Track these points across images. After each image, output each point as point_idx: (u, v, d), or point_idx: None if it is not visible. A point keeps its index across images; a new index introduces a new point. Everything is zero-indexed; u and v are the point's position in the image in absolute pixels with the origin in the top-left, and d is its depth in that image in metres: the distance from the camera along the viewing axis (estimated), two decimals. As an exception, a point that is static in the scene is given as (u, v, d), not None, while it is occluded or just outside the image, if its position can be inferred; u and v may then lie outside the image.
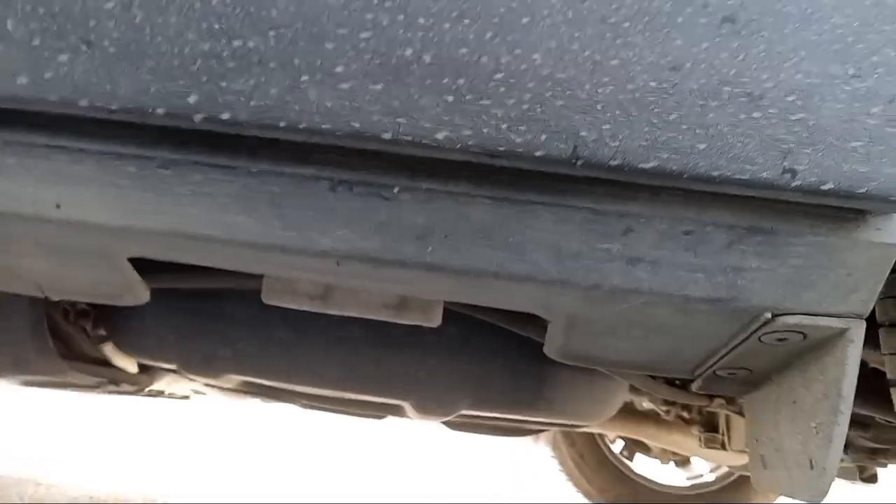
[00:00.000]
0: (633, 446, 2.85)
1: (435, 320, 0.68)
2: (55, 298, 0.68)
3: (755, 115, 0.44)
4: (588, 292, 0.51)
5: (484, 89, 0.44)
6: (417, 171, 0.49)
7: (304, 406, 1.44)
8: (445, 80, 0.44)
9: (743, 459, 2.11)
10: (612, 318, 0.55)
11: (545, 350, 0.64)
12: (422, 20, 0.44)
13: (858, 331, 0.53)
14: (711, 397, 1.23)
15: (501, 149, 0.45)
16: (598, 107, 0.44)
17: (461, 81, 0.44)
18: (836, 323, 0.52)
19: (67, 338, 1.25)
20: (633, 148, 0.45)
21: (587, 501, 2.82)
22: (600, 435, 2.84)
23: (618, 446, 2.89)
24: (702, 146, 0.45)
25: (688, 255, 0.50)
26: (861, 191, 0.45)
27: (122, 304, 0.68)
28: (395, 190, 0.49)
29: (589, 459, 2.79)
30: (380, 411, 1.33)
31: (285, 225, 0.52)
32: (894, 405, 0.68)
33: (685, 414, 2.11)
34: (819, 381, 0.56)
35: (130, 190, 0.52)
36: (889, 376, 0.68)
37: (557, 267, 0.50)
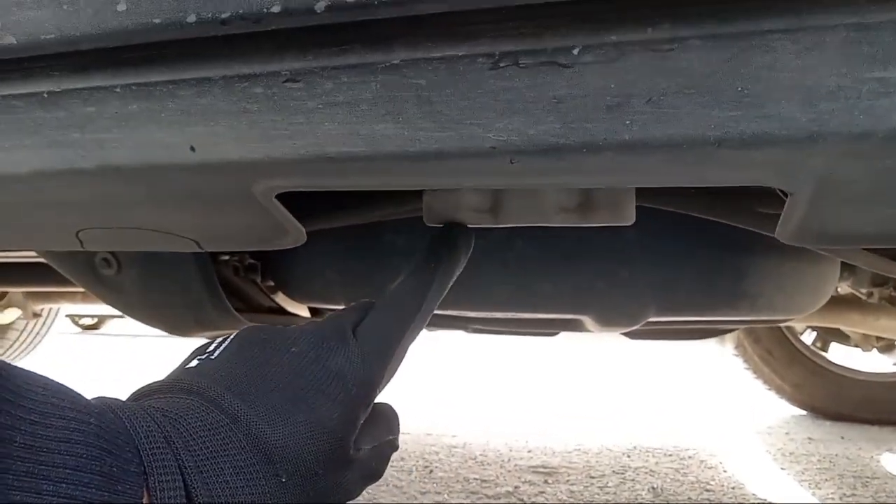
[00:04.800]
0: (827, 336, 2.60)
1: (628, 217, 0.56)
2: (213, 250, 0.65)
3: None
4: (853, 144, 0.37)
5: None
6: (601, 20, 0.37)
7: (473, 331, 1.40)
8: None
9: (976, 336, 1.84)
10: (883, 176, 0.41)
11: (777, 234, 0.51)
12: None
13: None
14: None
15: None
16: None
17: None
18: None
19: (241, 292, 1.28)
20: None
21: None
22: (787, 328, 2.61)
23: (808, 338, 2.66)
24: None
25: None
26: None
27: (279, 247, 0.63)
28: (575, 51, 0.37)
29: (778, 355, 2.59)
30: (556, 328, 1.25)
31: (439, 124, 0.42)
32: None
33: (896, 294, 1.86)
34: None
35: (261, 114, 0.45)
36: None
37: (807, 115, 0.37)
